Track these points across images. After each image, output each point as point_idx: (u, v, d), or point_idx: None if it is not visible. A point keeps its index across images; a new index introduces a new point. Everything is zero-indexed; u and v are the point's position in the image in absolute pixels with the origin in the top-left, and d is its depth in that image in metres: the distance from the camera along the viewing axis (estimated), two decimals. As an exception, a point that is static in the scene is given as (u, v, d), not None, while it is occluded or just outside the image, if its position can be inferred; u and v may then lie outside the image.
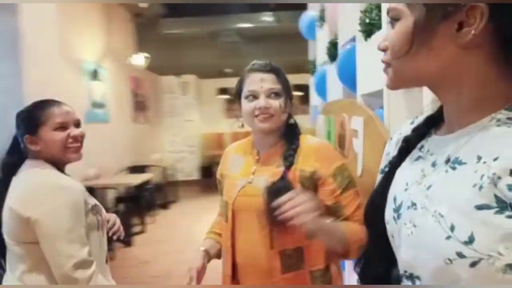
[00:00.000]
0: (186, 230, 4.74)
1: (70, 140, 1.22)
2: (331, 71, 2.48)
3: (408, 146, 0.66)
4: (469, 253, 0.47)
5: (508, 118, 0.51)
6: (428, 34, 0.53)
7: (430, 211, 0.53)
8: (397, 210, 0.62)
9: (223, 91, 8.76)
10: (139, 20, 6.33)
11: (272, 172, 1.09)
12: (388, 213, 0.65)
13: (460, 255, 0.47)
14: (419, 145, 0.65)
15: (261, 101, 1.08)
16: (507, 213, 0.45)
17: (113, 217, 1.40)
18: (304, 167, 1.07)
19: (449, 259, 0.48)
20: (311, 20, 3.44)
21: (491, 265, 0.46)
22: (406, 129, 0.70)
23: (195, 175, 8.79)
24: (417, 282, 0.56)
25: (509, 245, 0.45)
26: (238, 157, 1.22)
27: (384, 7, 1.37)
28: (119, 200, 4.77)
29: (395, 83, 0.60)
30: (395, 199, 0.63)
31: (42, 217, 1.09)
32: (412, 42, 0.54)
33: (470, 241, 0.47)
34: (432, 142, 0.62)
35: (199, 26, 6.68)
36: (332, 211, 1.02)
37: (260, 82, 1.11)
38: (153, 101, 7.76)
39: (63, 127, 1.21)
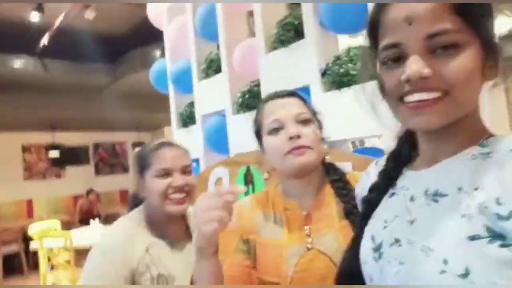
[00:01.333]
0: None
1: (170, 190, 1.05)
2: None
3: (379, 188, 0.66)
4: (466, 286, 0.46)
5: (481, 154, 0.52)
6: (488, 64, 0.53)
7: (417, 246, 0.52)
8: (377, 249, 0.61)
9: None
10: None
11: (338, 227, 0.82)
12: (366, 254, 0.63)
13: None
14: (395, 183, 0.64)
15: (291, 129, 0.82)
16: (499, 242, 0.45)
17: None
18: None
19: None
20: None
21: None
22: (373, 171, 0.71)
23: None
24: None
25: (508, 275, 0.44)
26: (269, 216, 0.88)
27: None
28: None
29: (451, 117, 0.52)
30: (373, 238, 0.62)
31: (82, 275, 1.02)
32: (484, 72, 0.52)
33: (467, 273, 0.46)
34: (406, 177, 0.62)
35: None
36: None
37: (282, 108, 0.85)
38: None
39: (165, 174, 1.06)
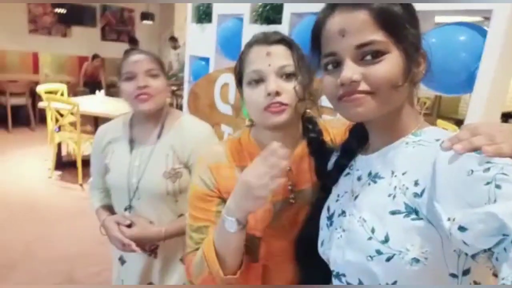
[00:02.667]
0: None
1: (136, 91, 1.18)
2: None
3: (334, 171, 0.79)
4: (385, 250, 0.58)
5: (413, 142, 0.64)
6: (411, 66, 0.62)
7: (356, 217, 0.65)
8: (330, 218, 0.74)
9: None
10: None
11: (314, 180, 0.85)
12: (322, 221, 0.76)
13: (379, 252, 0.59)
14: (350, 164, 0.77)
15: (271, 84, 0.77)
16: (412, 216, 0.57)
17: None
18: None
19: (370, 256, 0.60)
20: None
21: (401, 259, 0.56)
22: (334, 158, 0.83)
23: None
24: (343, 279, 0.67)
25: (414, 242, 0.56)
26: None
27: None
28: None
29: (378, 112, 0.62)
30: (328, 209, 0.76)
31: None
32: (408, 74, 0.61)
33: (386, 240, 0.58)
34: (358, 160, 0.74)
35: None
36: None
37: (266, 58, 0.79)
38: None
39: (130, 77, 1.19)
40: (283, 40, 0.81)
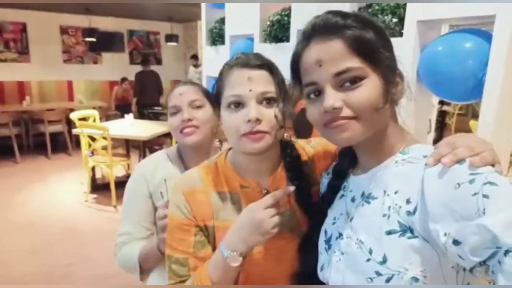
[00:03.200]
0: None
1: (182, 125, 1.14)
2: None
3: (327, 195, 0.79)
4: (384, 271, 0.58)
5: (402, 160, 0.64)
6: (390, 88, 0.64)
7: (353, 239, 0.65)
8: (327, 241, 0.74)
9: None
10: None
11: (293, 202, 0.83)
12: (320, 245, 0.76)
13: (378, 273, 0.59)
14: (343, 185, 0.77)
15: (252, 110, 0.74)
16: (408, 234, 0.57)
17: None
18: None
19: (370, 278, 0.60)
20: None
21: (400, 279, 0.56)
22: (325, 180, 0.83)
23: None
24: None
25: (412, 261, 0.56)
26: (224, 196, 0.84)
27: None
28: None
29: (364, 135, 0.63)
30: (325, 232, 0.76)
31: None
32: (387, 97, 0.63)
33: (384, 261, 0.58)
34: (350, 181, 0.74)
35: None
36: None
37: (247, 83, 0.75)
38: None
39: (176, 111, 1.17)
40: (265, 65, 0.78)
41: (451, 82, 1.14)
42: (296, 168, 0.85)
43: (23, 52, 7.04)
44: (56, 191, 4.59)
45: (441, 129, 6.45)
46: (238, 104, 0.76)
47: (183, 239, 0.82)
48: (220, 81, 0.81)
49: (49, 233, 3.48)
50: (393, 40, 0.68)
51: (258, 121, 0.74)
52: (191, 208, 0.82)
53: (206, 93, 1.21)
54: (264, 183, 0.84)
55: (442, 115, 6.39)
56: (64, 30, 7.48)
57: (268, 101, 0.77)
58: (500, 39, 1.00)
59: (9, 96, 6.91)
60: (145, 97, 6.51)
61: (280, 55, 1.76)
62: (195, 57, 7.50)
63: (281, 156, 0.86)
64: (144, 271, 1.17)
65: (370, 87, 0.61)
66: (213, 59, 2.36)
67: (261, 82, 0.77)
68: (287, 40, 1.77)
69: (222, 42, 2.25)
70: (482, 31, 1.12)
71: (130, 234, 1.18)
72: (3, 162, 5.67)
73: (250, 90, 0.75)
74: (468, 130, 4.43)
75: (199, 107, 1.17)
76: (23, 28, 6.99)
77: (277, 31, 1.80)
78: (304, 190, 0.82)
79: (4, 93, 6.91)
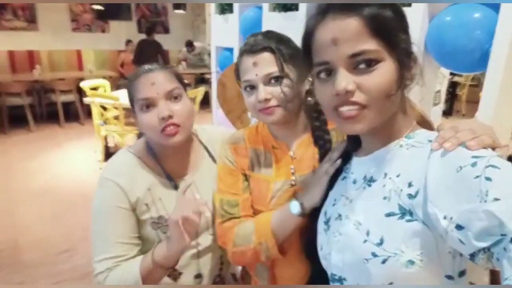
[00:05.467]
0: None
1: (162, 125, 0.95)
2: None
3: (336, 170, 0.80)
4: (380, 252, 0.58)
5: (407, 144, 0.64)
6: (404, 73, 0.62)
7: (351, 220, 0.66)
8: (326, 222, 0.75)
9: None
10: None
11: (316, 166, 0.91)
12: (320, 226, 0.77)
13: (374, 254, 0.59)
14: (345, 167, 0.77)
15: (260, 92, 0.86)
16: (407, 217, 0.57)
17: None
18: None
19: (365, 259, 0.60)
20: None
21: (396, 261, 0.57)
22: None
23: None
24: (344, 283, 0.67)
25: (409, 244, 0.56)
26: (260, 153, 0.99)
27: None
28: None
29: (374, 124, 0.61)
30: (325, 213, 0.76)
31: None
32: (401, 81, 0.61)
33: (381, 242, 0.59)
34: (353, 163, 0.74)
35: None
36: None
37: (253, 68, 0.86)
38: None
39: (148, 105, 0.96)
40: (267, 47, 0.86)
41: (457, 53, 1.15)
42: (322, 132, 0.93)
43: (32, 21, 7.01)
44: (70, 159, 4.72)
45: (452, 100, 6.36)
46: (252, 87, 0.88)
47: (233, 183, 0.98)
48: (237, 67, 0.93)
49: (66, 199, 3.62)
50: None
51: (267, 100, 0.86)
52: (235, 159, 1.00)
53: (180, 78, 1.03)
54: (293, 146, 0.96)
55: (453, 86, 6.28)
56: (71, -3, 7.40)
57: (275, 79, 0.87)
58: (508, 8, 1.01)
59: (20, 65, 6.95)
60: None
61: (289, 24, 1.77)
62: (190, 43, 7.41)
63: (308, 122, 0.96)
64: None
65: (385, 72, 0.59)
66: (222, 29, 2.36)
67: (265, 64, 0.86)
68: (296, 9, 1.76)
69: (231, 11, 2.24)
70: (490, 1, 1.11)
71: (118, 257, 0.96)
72: (18, 130, 5.81)
73: (256, 75, 0.86)
74: (479, 101, 4.36)
75: (176, 98, 0.98)
76: (30, -4, 6.93)
77: None
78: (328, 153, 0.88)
79: (15, 62, 6.95)
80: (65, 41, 7.37)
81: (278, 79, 0.87)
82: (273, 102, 0.87)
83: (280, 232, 0.88)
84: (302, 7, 1.70)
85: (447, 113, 5.95)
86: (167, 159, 1.06)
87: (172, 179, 1.06)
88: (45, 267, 2.59)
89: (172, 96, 0.98)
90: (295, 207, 0.84)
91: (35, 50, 7.09)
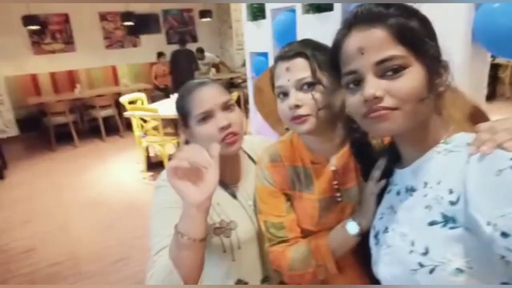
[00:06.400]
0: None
1: (222, 134, 0.96)
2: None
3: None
4: (426, 262, 0.57)
5: (445, 149, 0.63)
6: (433, 78, 0.62)
7: (397, 232, 0.66)
8: (376, 236, 0.75)
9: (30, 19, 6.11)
10: None
11: (359, 179, 0.88)
12: (371, 240, 0.77)
13: (421, 265, 0.58)
14: (390, 179, 0.76)
15: (291, 98, 0.82)
16: (450, 225, 0.56)
17: None
18: None
19: (413, 270, 0.59)
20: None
21: (443, 270, 0.55)
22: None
23: (13, 131, 7.04)
24: None
25: (455, 251, 0.55)
26: (299, 170, 0.94)
27: None
28: None
29: (405, 126, 0.61)
30: (374, 228, 0.77)
31: None
32: (431, 88, 0.61)
33: (426, 252, 0.58)
34: (395, 175, 0.74)
35: None
36: None
37: (286, 74, 0.83)
38: None
39: (205, 117, 0.98)
40: (301, 53, 0.83)
41: (508, 39, 1.12)
42: (362, 144, 0.88)
43: (69, 42, 7.40)
44: (115, 171, 4.93)
45: (494, 83, 6.05)
46: (284, 94, 0.84)
47: (275, 204, 0.94)
48: (271, 74, 0.89)
49: (115, 210, 3.78)
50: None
51: (297, 106, 0.81)
52: (274, 180, 0.95)
53: (228, 90, 1.07)
54: (333, 160, 0.91)
55: (494, 68, 5.98)
56: (103, 17, 7.73)
57: (308, 85, 0.82)
58: None
59: (62, 85, 7.35)
60: (180, 76, 6.63)
61: (324, 25, 1.76)
62: (201, 50, 7.46)
63: (348, 133, 0.90)
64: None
65: (413, 77, 0.59)
66: (255, 35, 2.39)
67: (297, 70, 0.82)
68: (330, 9, 1.76)
69: (263, 17, 2.27)
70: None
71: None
72: (64, 147, 6.13)
73: (288, 80, 0.83)
74: (524, 83, 4.14)
75: (230, 108, 1.01)
76: (66, 19, 7.30)
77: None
78: (370, 165, 0.84)
79: (57, 83, 7.35)
80: (100, 59, 7.73)
81: (310, 85, 0.82)
82: (304, 110, 0.82)
83: (338, 253, 0.87)
84: (337, 6, 1.70)
85: (490, 97, 5.68)
86: (221, 167, 0.99)
87: (228, 186, 1.08)
88: (102, 277, 2.72)
89: (227, 107, 1.00)
90: (353, 228, 0.83)
91: (74, 69, 7.47)
